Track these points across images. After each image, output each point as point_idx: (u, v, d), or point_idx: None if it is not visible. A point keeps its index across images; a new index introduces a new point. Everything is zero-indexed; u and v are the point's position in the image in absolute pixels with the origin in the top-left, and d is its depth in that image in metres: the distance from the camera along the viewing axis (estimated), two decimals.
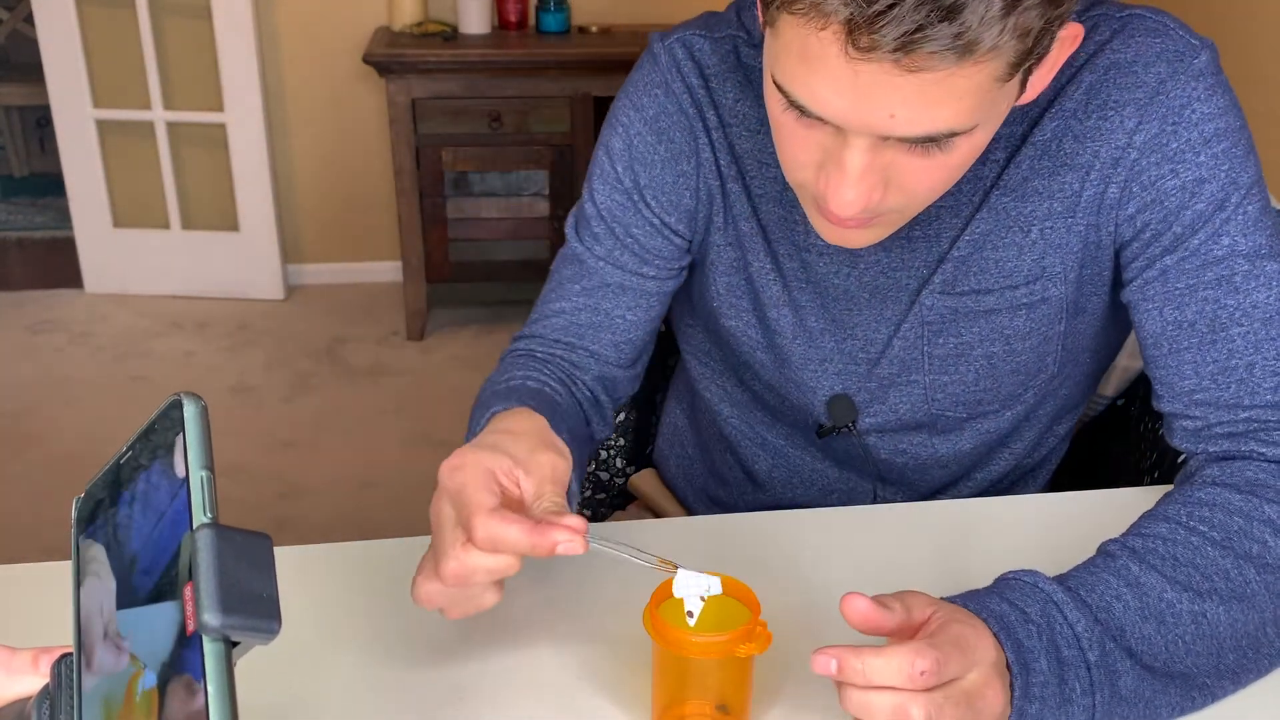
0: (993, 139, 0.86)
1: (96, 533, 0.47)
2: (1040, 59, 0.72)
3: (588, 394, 1.00)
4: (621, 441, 1.30)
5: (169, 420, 0.44)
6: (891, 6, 0.63)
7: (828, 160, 0.75)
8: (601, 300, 1.00)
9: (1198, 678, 0.74)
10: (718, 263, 1.00)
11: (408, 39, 3.10)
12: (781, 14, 0.70)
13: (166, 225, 3.50)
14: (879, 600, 0.66)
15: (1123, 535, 0.79)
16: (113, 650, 0.44)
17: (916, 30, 0.64)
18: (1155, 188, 0.84)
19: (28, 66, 4.21)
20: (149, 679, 0.42)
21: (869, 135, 0.71)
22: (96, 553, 0.47)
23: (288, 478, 2.67)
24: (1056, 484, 1.14)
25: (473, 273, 3.24)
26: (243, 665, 0.83)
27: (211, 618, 0.39)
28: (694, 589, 0.69)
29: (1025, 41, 0.68)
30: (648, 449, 1.34)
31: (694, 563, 0.75)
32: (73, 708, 0.45)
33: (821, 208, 0.79)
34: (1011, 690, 0.67)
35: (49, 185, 4.38)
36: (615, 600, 0.84)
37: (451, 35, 3.12)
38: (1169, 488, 0.96)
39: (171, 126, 3.39)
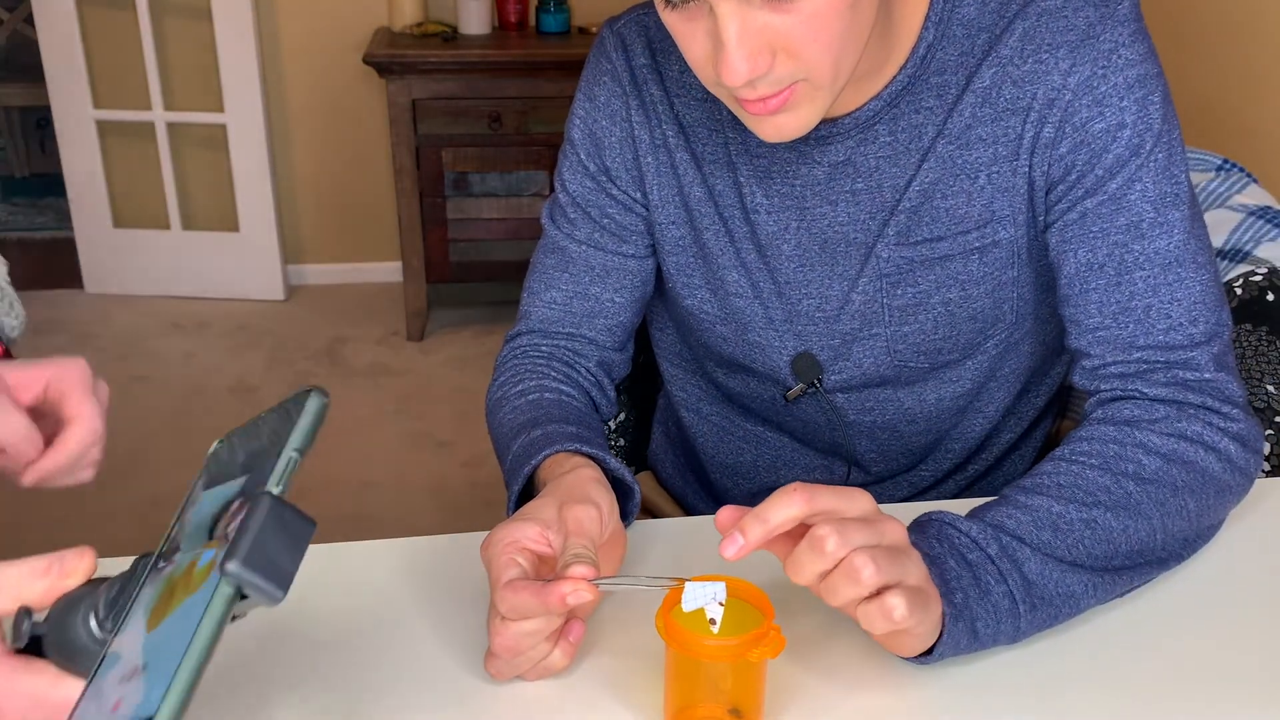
0: (928, 90, 0.91)
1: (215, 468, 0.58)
2: None
3: (591, 379, 1.06)
4: (622, 442, 1.30)
5: (296, 403, 0.54)
6: None
7: (715, 45, 0.79)
8: (590, 286, 1.05)
9: (1104, 573, 0.80)
10: (664, 242, 1.03)
11: (408, 39, 3.10)
12: None
13: (167, 225, 3.49)
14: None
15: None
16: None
17: None
18: (1085, 129, 0.88)
19: (28, 67, 4.19)
20: (206, 556, 0.51)
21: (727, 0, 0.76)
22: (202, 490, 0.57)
23: None
24: None
25: (473, 273, 3.24)
26: (241, 665, 0.83)
27: (233, 566, 0.47)
28: (701, 598, 0.69)
29: None
30: (646, 449, 1.34)
31: (704, 566, 0.75)
32: (139, 583, 0.54)
33: (730, 94, 0.82)
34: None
35: (49, 185, 4.38)
36: (628, 603, 0.84)
37: (451, 35, 3.12)
38: None
39: (171, 127, 3.39)
